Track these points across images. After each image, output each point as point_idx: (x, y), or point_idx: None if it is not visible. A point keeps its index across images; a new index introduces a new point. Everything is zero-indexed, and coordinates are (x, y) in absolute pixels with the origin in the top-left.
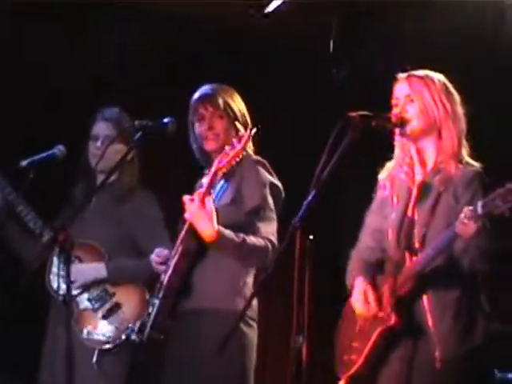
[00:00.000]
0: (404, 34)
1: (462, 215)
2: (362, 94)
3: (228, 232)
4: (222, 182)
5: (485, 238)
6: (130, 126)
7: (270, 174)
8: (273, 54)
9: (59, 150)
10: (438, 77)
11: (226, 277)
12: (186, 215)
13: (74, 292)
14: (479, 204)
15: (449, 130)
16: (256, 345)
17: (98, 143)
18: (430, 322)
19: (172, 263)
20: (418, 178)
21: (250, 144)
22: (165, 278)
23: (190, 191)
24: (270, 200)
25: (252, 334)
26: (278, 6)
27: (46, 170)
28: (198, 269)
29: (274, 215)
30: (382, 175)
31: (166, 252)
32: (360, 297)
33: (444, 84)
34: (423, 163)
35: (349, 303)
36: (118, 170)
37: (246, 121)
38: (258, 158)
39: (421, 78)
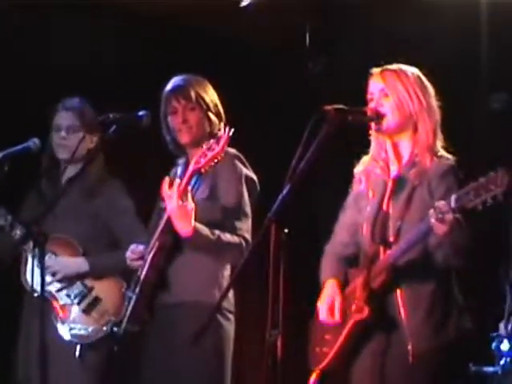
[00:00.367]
0: (378, 29)
1: (436, 209)
2: (338, 88)
3: (204, 229)
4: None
5: (459, 233)
6: (105, 119)
7: (246, 167)
8: (248, 49)
9: (34, 142)
10: (412, 70)
11: (203, 270)
12: (167, 211)
13: (54, 287)
14: (453, 198)
15: (424, 123)
16: (233, 337)
17: (62, 133)
18: (403, 316)
19: (148, 258)
20: (394, 172)
21: None
22: (142, 273)
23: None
24: (246, 195)
25: (229, 325)
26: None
27: (20, 163)
28: (174, 263)
29: (249, 210)
30: (358, 169)
31: (140, 248)
32: (326, 304)
33: (418, 77)
34: (399, 157)
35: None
36: (84, 162)
37: (219, 111)
38: (234, 151)
39: (394, 72)
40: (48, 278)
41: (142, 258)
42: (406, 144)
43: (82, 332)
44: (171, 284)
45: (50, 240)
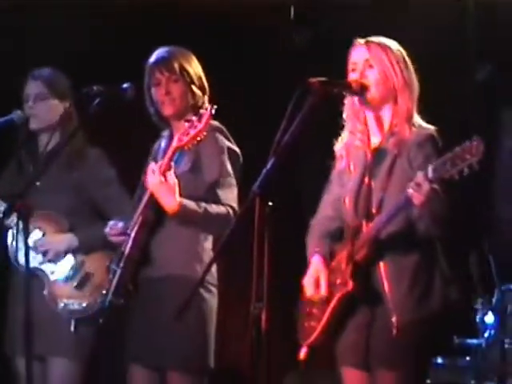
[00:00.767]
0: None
1: (414, 180)
2: (323, 61)
3: (190, 203)
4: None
5: (437, 203)
6: (90, 91)
7: (228, 139)
8: (233, 22)
9: (17, 115)
10: (395, 44)
11: (184, 244)
12: (149, 187)
13: (46, 265)
14: (430, 168)
15: (404, 96)
16: (216, 310)
17: (30, 102)
18: (387, 288)
19: (132, 233)
20: (375, 143)
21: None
22: (125, 249)
23: (147, 153)
24: (229, 166)
25: (212, 299)
26: None
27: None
28: (157, 237)
29: (233, 181)
30: (338, 146)
31: (120, 224)
32: (312, 279)
33: (400, 52)
34: (381, 129)
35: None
36: (60, 132)
37: (203, 84)
38: (216, 123)
39: (379, 44)
40: (39, 258)
41: (122, 233)
42: (387, 116)
43: (76, 307)
44: (154, 258)
45: (36, 216)
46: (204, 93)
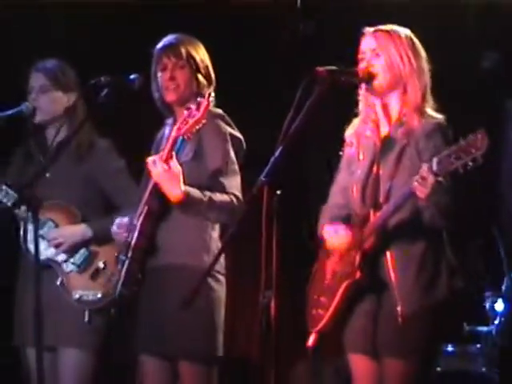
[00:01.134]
0: None
1: (418, 173)
2: (330, 49)
3: (195, 191)
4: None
5: (442, 195)
6: (97, 82)
7: (230, 125)
8: (239, 12)
9: (26, 106)
10: (405, 32)
11: (191, 233)
12: (152, 176)
13: (60, 257)
14: (434, 161)
15: (414, 85)
16: (224, 299)
17: (33, 95)
18: (393, 277)
19: (138, 224)
20: (384, 133)
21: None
22: (132, 239)
23: (152, 141)
24: (232, 153)
25: (220, 288)
26: None
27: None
28: (163, 227)
29: (236, 168)
30: (348, 132)
31: (125, 220)
32: (331, 231)
33: (410, 39)
34: (388, 118)
35: (320, 258)
36: (67, 124)
37: (209, 73)
38: (217, 110)
39: (387, 32)
40: (52, 250)
41: (127, 231)
42: (394, 104)
43: (91, 298)
44: (161, 248)
45: (48, 207)
46: (210, 82)
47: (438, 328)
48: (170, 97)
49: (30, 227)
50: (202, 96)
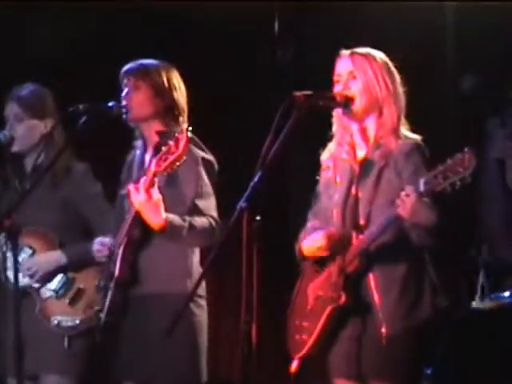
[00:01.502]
0: (348, 15)
1: (403, 193)
2: (308, 74)
3: (175, 218)
4: (150, 156)
5: (428, 214)
6: (75, 110)
7: (201, 149)
8: (218, 36)
9: (4, 135)
10: (380, 55)
11: (173, 259)
12: (134, 205)
13: (37, 284)
14: (421, 182)
15: (390, 108)
16: (206, 323)
17: (9, 124)
18: (376, 299)
19: (119, 253)
20: (361, 155)
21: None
22: (115, 269)
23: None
24: (205, 176)
25: (201, 312)
26: None
27: None
28: (144, 254)
29: (210, 190)
30: (324, 156)
31: (107, 240)
32: (308, 240)
33: (386, 63)
34: (366, 141)
35: (301, 280)
36: (45, 151)
37: (171, 96)
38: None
39: (364, 55)
40: (27, 280)
41: (110, 250)
42: (372, 127)
43: (70, 324)
44: (143, 275)
45: (26, 233)
46: (173, 105)
47: (422, 349)
48: (125, 116)
49: (8, 255)
50: (164, 112)
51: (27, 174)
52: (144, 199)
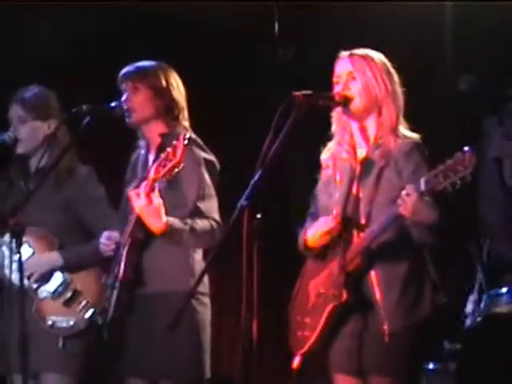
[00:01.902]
0: (348, 15)
1: (404, 192)
2: (308, 74)
3: (176, 222)
4: (153, 157)
5: (429, 213)
6: (79, 110)
7: (203, 150)
8: (218, 36)
9: (8, 136)
10: (379, 56)
11: (175, 258)
12: (135, 210)
13: (34, 284)
14: (422, 181)
15: (388, 108)
16: (209, 320)
17: (13, 126)
18: (378, 296)
19: (123, 256)
20: (361, 154)
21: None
22: (119, 271)
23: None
24: (207, 178)
25: (203, 309)
26: None
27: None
28: (147, 254)
29: (212, 191)
30: (324, 156)
31: (114, 234)
32: (311, 229)
33: (384, 63)
34: (367, 140)
35: (302, 278)
36: (49, 152)
37: (171, 97)
38: (190, 135)
39: (363, 56)
40: (25, 280)
41: (116, 244)
42: (371, 127)
43: (64, 324)
44: (147, 275)
45: (28, 233)
46: (173, 106)
47: (422, 345)
48: (128, 119)
49: (7, 253)
50: (164, 112)
51: (31, 175)
52: (144, 204)
